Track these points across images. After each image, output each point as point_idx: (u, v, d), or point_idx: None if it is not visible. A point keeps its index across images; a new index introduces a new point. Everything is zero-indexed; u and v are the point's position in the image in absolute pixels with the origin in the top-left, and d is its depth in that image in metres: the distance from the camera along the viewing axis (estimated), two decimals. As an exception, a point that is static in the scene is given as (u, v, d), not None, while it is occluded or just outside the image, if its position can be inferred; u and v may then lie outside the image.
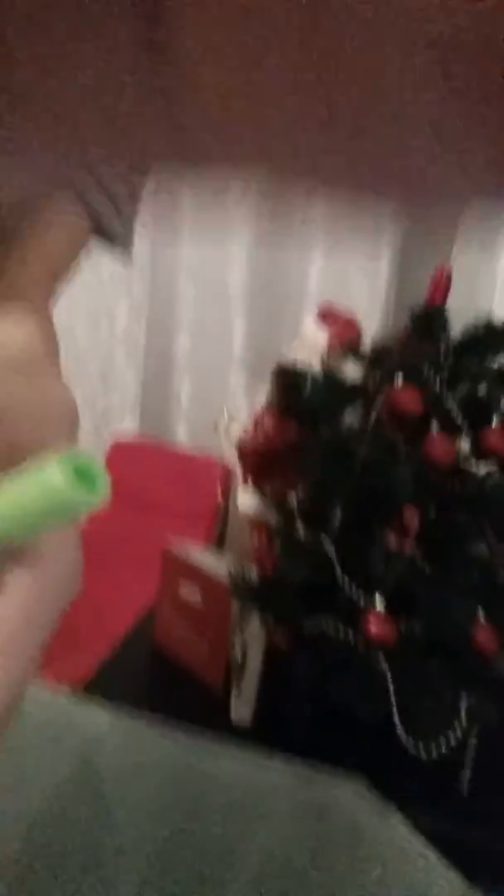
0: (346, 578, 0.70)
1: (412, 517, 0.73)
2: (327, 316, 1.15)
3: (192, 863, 0.27)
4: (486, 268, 1.32)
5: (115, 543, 1.09)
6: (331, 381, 0.97)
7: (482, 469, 0.76)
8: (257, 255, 1.38)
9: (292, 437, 1.01)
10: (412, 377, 0.82)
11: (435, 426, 0.78)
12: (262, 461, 1.03)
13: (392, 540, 0.71)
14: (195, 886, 0.26)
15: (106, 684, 0.74)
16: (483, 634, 0.64)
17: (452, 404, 0.79)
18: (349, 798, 0.34)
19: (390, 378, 0.84)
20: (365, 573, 0.70)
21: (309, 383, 1.02)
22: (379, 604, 0.67)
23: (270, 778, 0.34)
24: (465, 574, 0.68)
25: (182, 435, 1.46)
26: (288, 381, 1.03)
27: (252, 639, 0.72)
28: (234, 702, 0.71)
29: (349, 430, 0.89)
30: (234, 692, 0.71)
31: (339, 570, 0.71)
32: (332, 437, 0.88)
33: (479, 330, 0.86)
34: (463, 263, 1.15)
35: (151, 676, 0.79)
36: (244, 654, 0.71)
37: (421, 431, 0.78)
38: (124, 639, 0.83)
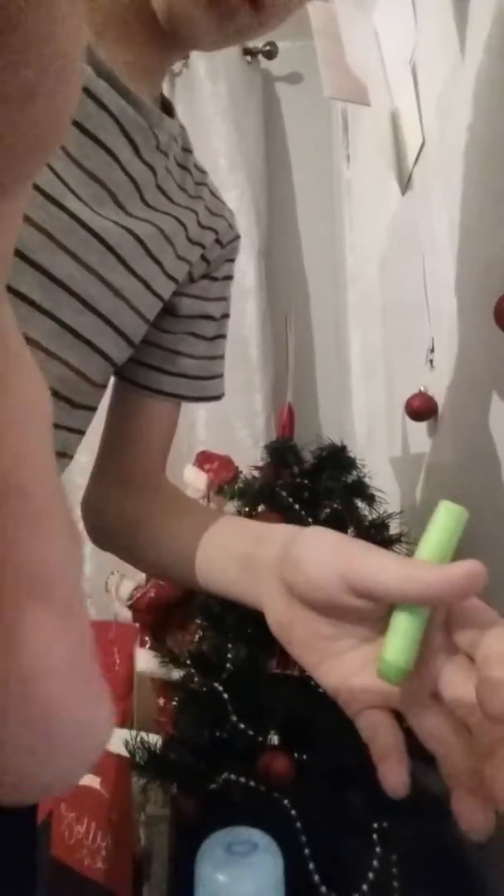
0: (239, 720, 0.68)
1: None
2: (204, 460, 1.22)
3: None
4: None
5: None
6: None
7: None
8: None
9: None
10: (273, 503, 0.87)
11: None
12: (157, 616, 1.01)
13: (274, 666, 0.71)
14: None
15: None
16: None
17: (311, 523, 0.84)
18: None
19: (255, 507, 0.89)
20: (258, 711, 0.68)
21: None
22: (274, 738, 0.65)
23: None
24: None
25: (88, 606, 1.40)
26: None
27: (157, 818, 0.66)
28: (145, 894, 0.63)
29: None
30: (145, 887, 0.64)
31: (233, 715, 0.69)
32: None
33: (325, 452, 0.94)
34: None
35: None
36: (150, 840, 0.65)
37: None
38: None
